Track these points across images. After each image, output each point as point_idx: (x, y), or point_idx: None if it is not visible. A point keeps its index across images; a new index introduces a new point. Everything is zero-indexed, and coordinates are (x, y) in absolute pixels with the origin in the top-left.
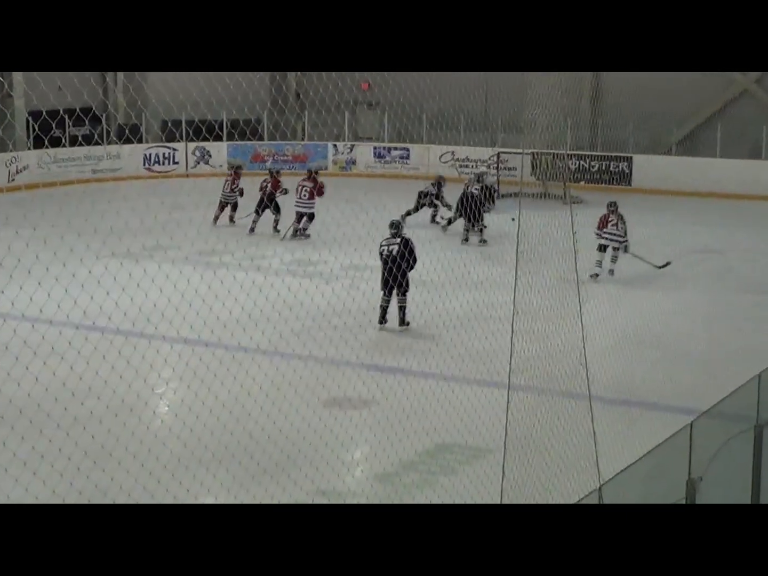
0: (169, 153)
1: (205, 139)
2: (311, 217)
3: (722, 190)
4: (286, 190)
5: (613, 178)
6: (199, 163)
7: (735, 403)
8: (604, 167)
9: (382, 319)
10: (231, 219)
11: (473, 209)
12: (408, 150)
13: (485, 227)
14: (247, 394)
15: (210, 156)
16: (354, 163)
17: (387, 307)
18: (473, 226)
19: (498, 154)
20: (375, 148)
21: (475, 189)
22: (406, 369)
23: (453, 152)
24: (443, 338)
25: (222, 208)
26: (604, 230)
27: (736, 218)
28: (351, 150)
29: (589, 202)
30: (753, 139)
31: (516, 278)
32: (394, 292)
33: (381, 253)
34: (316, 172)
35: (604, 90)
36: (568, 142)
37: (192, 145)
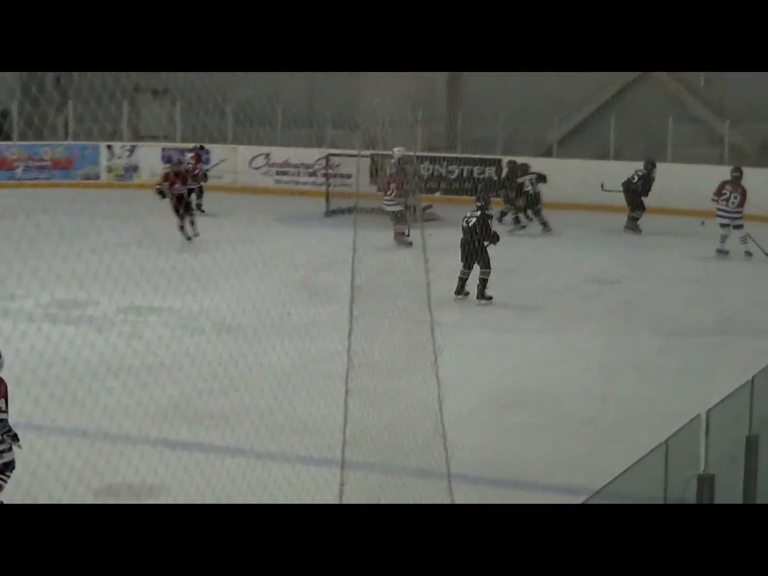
0: None
1: None
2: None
3: (616, 201)
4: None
5: (477, 187)
6: None
7: (636, 479)
8: (466, 173)
9: (460, 291)
10: (198, 207)
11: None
12: (208, 152)
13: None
14: None
15: None
16: (135, 169)
17: (466, 279)
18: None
19: (327, 157)
20: (164, 149)
21: (639, 174)
22: (207, 444)
23: (267, 155)
24: (256, 402)
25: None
26: (717, 206)
27: (636, 237)
28: (131, 153)
29: (447, 220)
30: (653, 134)
31: (351, 321)
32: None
33: (462, 225)
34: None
35: (465, 73)
36: (419, 141)
37: None
